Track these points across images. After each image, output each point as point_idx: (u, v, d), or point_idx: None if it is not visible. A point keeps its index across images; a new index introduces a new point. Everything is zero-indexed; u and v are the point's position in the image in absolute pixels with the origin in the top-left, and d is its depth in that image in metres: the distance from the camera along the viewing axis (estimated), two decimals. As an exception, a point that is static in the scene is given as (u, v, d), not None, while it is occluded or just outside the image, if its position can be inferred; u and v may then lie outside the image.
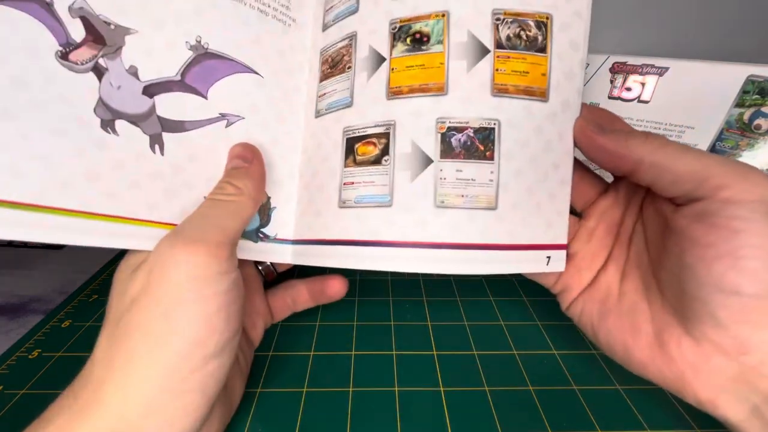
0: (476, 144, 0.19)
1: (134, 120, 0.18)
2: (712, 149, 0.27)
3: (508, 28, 0.19)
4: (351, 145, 0.21)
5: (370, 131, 0.20)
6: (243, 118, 0.21)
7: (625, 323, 0.19)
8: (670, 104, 0.28)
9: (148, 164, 0.19)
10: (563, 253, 0.21)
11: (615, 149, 0.18)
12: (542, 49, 0.19)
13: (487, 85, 0.19)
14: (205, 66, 0.20)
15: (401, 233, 0.19)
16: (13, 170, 0.15)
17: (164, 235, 0.17)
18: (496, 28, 0.19)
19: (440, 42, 0.19)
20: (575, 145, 0.20)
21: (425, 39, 0.20)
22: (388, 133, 0.20)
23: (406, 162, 0.19)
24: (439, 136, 0.19)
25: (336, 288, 0.26)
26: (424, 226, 0.19)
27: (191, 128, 0.20)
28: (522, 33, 0.19)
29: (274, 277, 0.27)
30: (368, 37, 0.21)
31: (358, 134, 0.21)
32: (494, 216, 0.19)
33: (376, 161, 0.20)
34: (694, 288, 0.16)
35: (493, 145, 0.19)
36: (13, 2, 0.15)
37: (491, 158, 0.19)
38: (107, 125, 0.18)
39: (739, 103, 0.26)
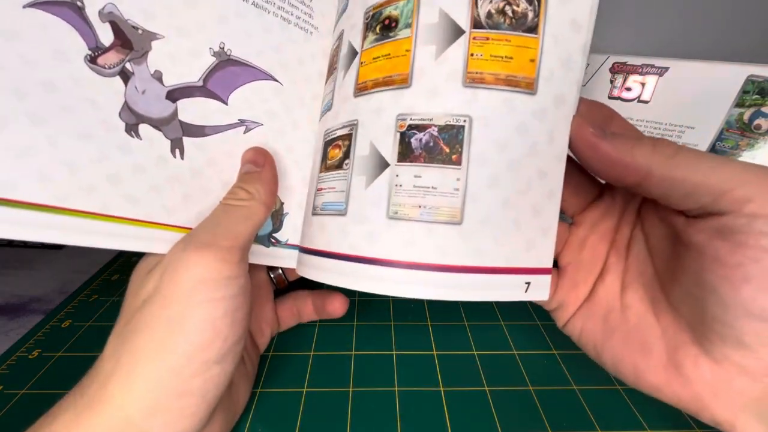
0: (440, 145, 0.16)
1: (157, 124, 0.19)
2: (712, 149, 0.27)
3: (490, 2, 0.16)
4: (326, 149, 0.20)
5: (338, 133, 0.19)
6: (261, 124, 0.22)
7: (632, 342, 0.17)
8: (670, 104, 0.28)
9: (169, 168, 0.19)
10: (547, 278, 0.17)
11: (619, 158, 0.15)
12: (532, 29, 0.16)
13: (458, 74, 0.16)
14: (227, 72, 0.20)
15: (351, 245, 0.17)
16: (41, 174, 0.16)
17: (178, 240, 0.18)
18: (475, 2, 0.16)
19: (408, 26, 0.16)
20: (570, 148, 0.17)
21: (393, 24, 0.17)
22: (351, 134, 0.18)
23: (363, 166, 0.17)
24: (398, 135, 0.16)
25: (335, 306, 0.25)
26: (374, 239, 0.17)
27: (211, 133, 0.20)
28: (507, 8, 0.16)
29: (285, 285, 0.27)
30: (350, 32, 0.20)
31: (330, 137, 0.20)
32: (457, 232, 0.16)
33: (339, 165, 0.18)
34: (718, 310, 0.14)
35: (462, 146, 0.16)
36: (45, 5, 0.16)
37: (458, 162, 0.16)
38: (131, 129, 0.18)
39: (739, 103, 0.25)
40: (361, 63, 0.18)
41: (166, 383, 0.15)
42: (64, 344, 0.27)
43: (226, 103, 0.20)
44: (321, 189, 0.20)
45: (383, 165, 0.17)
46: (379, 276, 0.16)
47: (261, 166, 0.21)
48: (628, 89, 0.29)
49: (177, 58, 0.19)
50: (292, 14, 0.22)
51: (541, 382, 0.25)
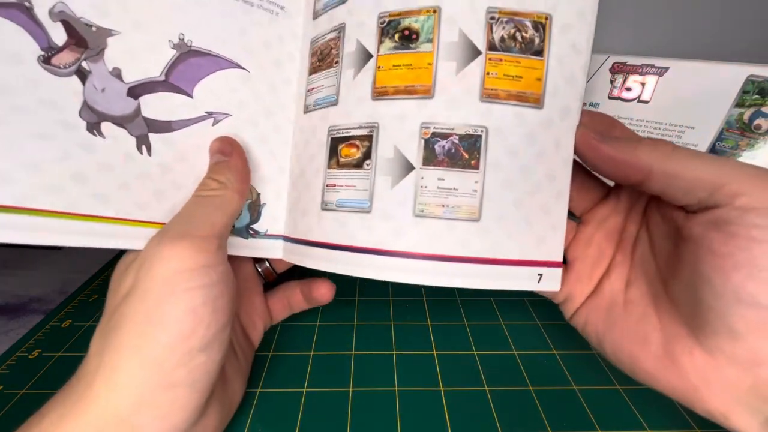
0: (461, 152, 0.18)
1: (120, 122, 0.18)
2: (712, 149, 0.27)
3: (503, 28, 0.18)
4: (335, 145, 0.20)
5: (353, 132, 0.20)
6: (230, 115, 0.21)
7: (632, 333, 0.18)
8: (670, 104, 0.28)
9: (136, 165, 0.19)
10: (558, 271, 0.19)
11: (623, 159, 0.17)
12: (539, 52, 0.18)
13: (476, 89, 0.18)
14: (189, 64, 0.20)
15: (378, 240, 0.19)
16: (2, 175, 0.16)
17: (153, 234, 0.18)
18: (490, 27, 0.18)
19: (430, 41, 0.18)
20: (576, 154, 0.19)
21: (414, 36, 0.19)
22: (371, 136, 0.19)
23: (388, 167, 0.19)
24: (423, 141, 0.18)
25: (321, 291, 0.26)
26: (401, 234, 0.18)
27: (178, 128, 0.20)
28: (517, 34, 0.18)
29: (274, 278, 0.27)
30: (356, 30, 0.20)
31: (342, 135, 0.20)
32: (476, 228, 0.18)
33: (358, 165, 0.20)
34: (711, 298, 0.15)
35: (479, 153, 0.18)
36: None
37: (476, 167, 0.18)
38: (93, 128, 0.18)
39: (739, 103, 0.26)
40: (379, 67, 0.19)
41: (150, 376, 0.15)
42: (64, 344, 0.27)
43: (191, 96, 0.20)
44: (334, 185, 0.20)
45: (409, 168, 0.19)
46: (406, 267, 0.18)
47: (229, 154, 0.20)
48: (628, 89, 0.29)
49: (135, 54, 0.18)
50: None
51: (541, 382, 0.25)
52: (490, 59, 0.18)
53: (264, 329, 0.26)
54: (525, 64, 0.18)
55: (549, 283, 0.19)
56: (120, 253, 0.19)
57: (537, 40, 0.18)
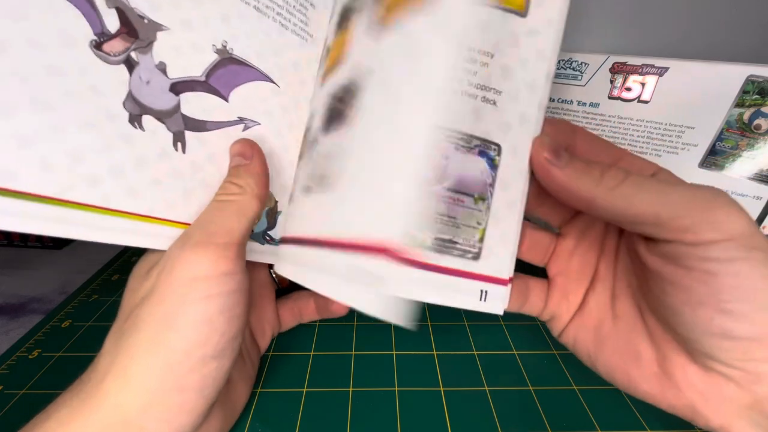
0: None
1: (160, 116, 0.19)
2: (712, 149, 0.27)
3: None
4: None
5: None
6: (259, 123, 0.22)
7: (624, 352, 0.17)
8: (670, 104, 0.28)
9: (170, 162, 0.19)
10: (505, 290, 0.18)
11: (566, 186, 0.16)
12: None
13: None
14: (228, 70, 0.20)
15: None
16: (44, 163, 0.15)
17: (177, 238, 0.18)
18: None
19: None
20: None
21: None
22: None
23: None
24: None
25: (339, 304, 0.25)
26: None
27: (212, 128, 0.20)
28: None
29: (287, 285, 0.27)
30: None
31: None
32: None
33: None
34: (685, 331, 0.15)
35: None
36: None
37: None
38: (134, 120, 0.18)
39: (739, 103, 0.26)
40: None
41: (162, 379, 0.15)
42: (64, 344, 0.27)
43: (227, 100, 0.21)
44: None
45: None
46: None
47: (249, 158, 0.20)
48: (628, 89, 0.29)
49: (181, 51, 0.19)
50: (289, 21, 0.22)
51: (541, 382, 0.25)
52: None
53: (272, 336, 0.26)
54: None
55: (494, 303, 0.17)
56: (119, 254, 0.19)
57: None
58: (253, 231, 0.22)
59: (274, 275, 0.26)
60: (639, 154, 0.29)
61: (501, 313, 0.18)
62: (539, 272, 0.21)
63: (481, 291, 0.17)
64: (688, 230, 0.14)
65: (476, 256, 0.18)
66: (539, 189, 0.18)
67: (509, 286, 0.18)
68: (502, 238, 0.18)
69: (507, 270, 0.18)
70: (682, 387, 0.16)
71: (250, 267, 0.20)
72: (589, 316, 0.19)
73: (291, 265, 0.19)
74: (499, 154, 0.17)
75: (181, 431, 0.16)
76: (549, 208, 0.20)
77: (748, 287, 0.13)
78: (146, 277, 0.17)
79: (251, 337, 0.24)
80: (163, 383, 0.15)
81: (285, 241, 0.22)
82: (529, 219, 0.19)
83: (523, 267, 0.20)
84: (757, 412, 0.14)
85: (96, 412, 0.15)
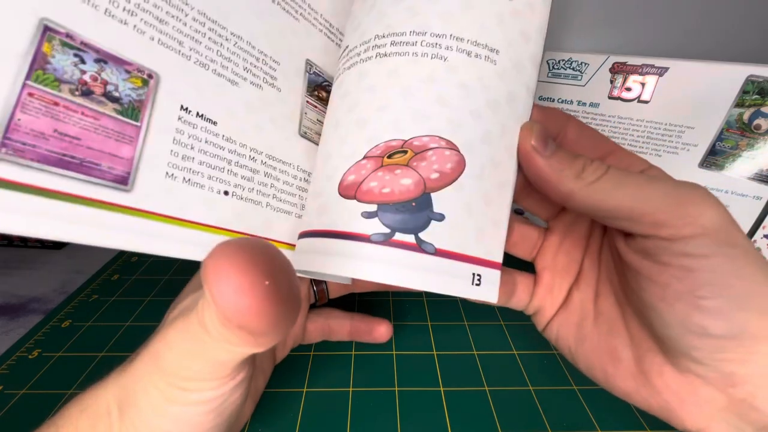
0: None
1: None
2: (712, 149, 0.27)
3: None
4: None
5: None
6: None
7: (602, 349, 0.17)
8: (670, 104, 0.28)
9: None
10: (497, 274, 0.17)
11: (547, 177, 0.16)
12: None
13: None
14: None
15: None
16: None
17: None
18: None
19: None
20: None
21: None
22: None
23: None
24: None
25: (381, 331, 0.25)
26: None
27: None
28: None
29: (326, 302, 0.27)
30: None
31: None
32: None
33: None
34: (662, 328, 0.15)
35: None
36: None
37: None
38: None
39: (739, 103, 0.26)
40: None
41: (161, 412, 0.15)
42: (64, 344, 0.27)
43: None
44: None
45: None
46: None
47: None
48: (628, 89, 0.29)
49: None
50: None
51: (541, 382, 0.25)
52: None
53: (292, 347, 0.25)
54: None
55: (487, 288, 0.16)
56: (119, 254, 0.19)
57: None
58: None
59: (315, 289, 0.26)
60: (639, 154, 0.29)
61: (495, 301, 0.17)
62: (523, 268, 0.21)
63: (473, 274, 0.16)
64: (663, 225, 0.14)
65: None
66: (526, 180, 0.18)
67: (500, 271, 0.17)
68: (493, 220, 0.17)
69: (498, 253, 0.17)
70: (657, 387, 0.15)
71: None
72: (572, 313, 0.19)
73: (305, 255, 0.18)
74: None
75: None
76: (536, 201, 0.20)
77: (723, 284, 0.13)
78: (186, 294, 0.17)
79: (270, 351, 0.24)
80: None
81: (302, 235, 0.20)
82: (518, 212, 0.19)
83: (509, 263, 0.19)
84: (733, 415, 0.14)
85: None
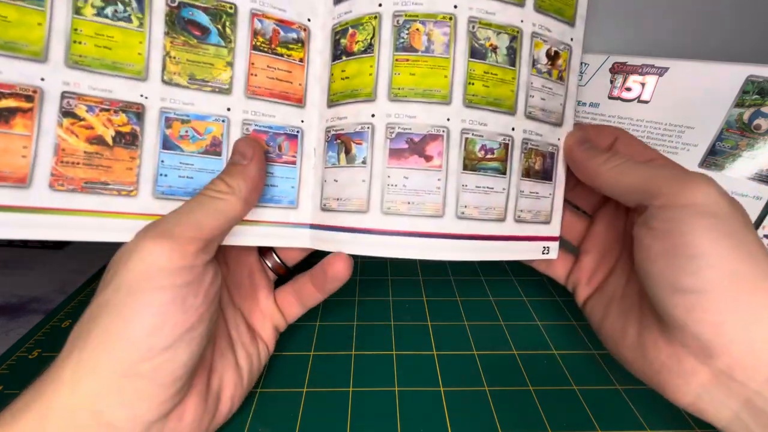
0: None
1: None
2: (712, 149, 0.27)
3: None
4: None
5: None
6: None
7: (617, 324, 0.20)
8: (670, 104, 0.28)
9: None
10: (557, 244, 0.24)
11: (581, 160, 0.21)
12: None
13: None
14: None
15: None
16: None
17: (142, 227, 0.17)
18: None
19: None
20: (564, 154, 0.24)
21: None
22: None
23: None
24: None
25: (337, 266, 0.22)
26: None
27: None
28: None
29: (285, 272, 0.26)
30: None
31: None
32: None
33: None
34: (649, 288, 0.17)
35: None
36: None
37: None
38: None
39: (739, 103, 0.25)
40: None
41: (113, 366, 0.15)
42: (63, 344, 0.26)
43: None
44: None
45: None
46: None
47: (249, 159, 0.20)
48: (628, 89, 0.29)
49: None
50: None
51: (541, 382, 0.25)
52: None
53: (276, 330, 0.25)
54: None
55: (552, 254, 0.24)
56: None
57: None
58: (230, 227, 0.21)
59: (269, 263, 0.25)
60: (639, 154, 0.29)
61: (555, 257, 0.24)
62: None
63: (544, 247, 0.24)
64: (659, 196, 0.17)
65: (547, 221, 0.24)
66: (571, 177, 0.23)
67: (558, 241, 0.24)
68: (557, 205, 0.24)
69: (559, 229, 0.24)
70: (650, 358, 0.18)
71: (237, 254, 0.19)
72: (604, 295, 0.22)
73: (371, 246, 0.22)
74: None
75: (140, 417, 0.16)
76: (580, 193, 0.25)
77: (696, 245, 0.15)
78: (112, 266, 0.17)
79: (248, 331, 0.23)
80: (114, 371, 0.15)
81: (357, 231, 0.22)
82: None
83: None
84: (717, 389, 0.16)
85: (54, 399, 0.15)
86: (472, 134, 0.21)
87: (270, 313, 0.25)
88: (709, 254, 0.15)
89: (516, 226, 0.22)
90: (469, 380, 0.25)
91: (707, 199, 0.16)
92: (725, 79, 0.26)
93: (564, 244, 0.25)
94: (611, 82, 0.30)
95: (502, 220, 0.22)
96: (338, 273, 0.22)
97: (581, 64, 0.30)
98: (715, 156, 0.27)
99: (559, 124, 0.23)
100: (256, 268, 0.25)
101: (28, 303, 0.31)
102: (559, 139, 0.24)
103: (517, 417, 0.22)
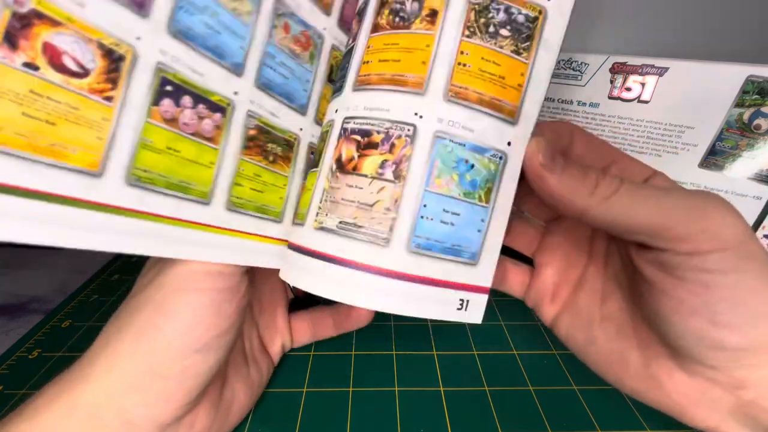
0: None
1: None
2: (712, 149, 0.27)
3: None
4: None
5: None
6: None
7: (611, 352, 0.17)
8: (670, 104, 0.28)
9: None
10: (484, 299, 0.17)
11: (560, 194, 0.15)
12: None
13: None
14: None
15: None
16: None
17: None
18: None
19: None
20: (523, 171, 0.16)
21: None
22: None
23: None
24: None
25: (360, 312, 0.24)
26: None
27: None
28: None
29: (303, 295, 0.27)
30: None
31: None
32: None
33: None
34: (675, 339, 0.15)
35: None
36: None
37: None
38: None
39: (739, 103, 0.25)
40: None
41: (145, 364, 0.16)
42: (64, 344, 0.27)
43: None
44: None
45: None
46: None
47: None
48: (628, 89, 0.29)
49: None
50: None
51: (541, 382, 0.25)
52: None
53: (282, 348, 0.25)
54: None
55: (473, 311, 0.16)
56: (119, 254, 0.19)
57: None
58: None
59: (290, 285, 0.26)
60: (639, 154, 0.29)
61: (479, 321, 0.17)
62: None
63: (461, 300, 0.16)
64: (683, 240, 0.13)
65: (474, 263, 0.16)
66: (527, 187, 0.17)
67: (487, 295, 0.17)
68: (492, 243, 0.17)
69: (488, 279, 0.17)
70: (667, 389, 0.16)
71: (262, 271, 0.19)
72: (578, 315, 0.19)
73: (296, 271, 0.18)
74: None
75: (159, 417, 0.16)
76: (534, 205, 0.20)
77: (740, 299, 0.13)
78: (152, 267, 0.18)
79: (260, 343, 0.24)
80: (145, 368, 0.16)
81: (294, 248, 0.19)
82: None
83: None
84: (742, 415, 0.14)
85: (81, 391, 0.15)
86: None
87: (281, 330, 0.25)
88: (755, 311, 0.13)
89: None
90: (469, 380, 0.25)
91: (737, 236, 0.13)
92: (725, 79, 0.26)
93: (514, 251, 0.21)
94: (611, 82, 0.30)
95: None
96: (360, 319, 0.24)
97: (576, 62, 0.30)
98: (715, 156, 0.27)
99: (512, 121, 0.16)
100: (279, 286, 0.25)
101: (28, 303, 0.31)
102: (509, 144, 0.16)
103: (517, 417, 0.22)
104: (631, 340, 0.17)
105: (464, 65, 0.16)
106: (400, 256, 0.16)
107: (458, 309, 0.16)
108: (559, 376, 0.25)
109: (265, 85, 0.18)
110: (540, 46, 0.16)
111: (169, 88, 0.15)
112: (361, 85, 0.17)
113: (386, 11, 0.17)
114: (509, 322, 0.30)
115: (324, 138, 0.19)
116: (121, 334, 0.16)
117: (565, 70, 0.30)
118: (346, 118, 0.17)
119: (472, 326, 0.29)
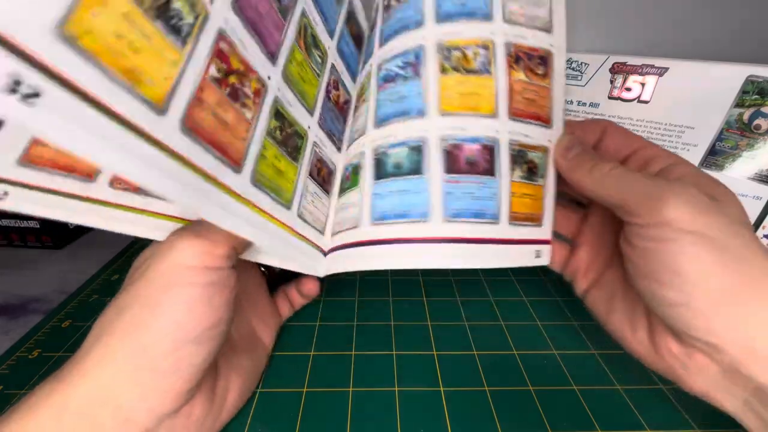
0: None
1: None
2: (712, 149, 0.27)
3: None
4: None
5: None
6: None
7: (625, 321, 0.20)
8: (670, 104, 0.28)
9: None
10: (550, 248, 0.23)
11: (566, 173, 0.21)
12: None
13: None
14: None
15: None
16: None
17: (177, 228, 0.18)
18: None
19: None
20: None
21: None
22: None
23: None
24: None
25: (308, 287, 0.27)
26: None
27: None
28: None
29: (276, 274, 0.28)
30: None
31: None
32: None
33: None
34: (645, 301, 0.18)
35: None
36: None
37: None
38: None
39: (739, 103, 0.26)
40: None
41: (138, 358, 0.16)
42: (64, 344, 0.27)
43: None
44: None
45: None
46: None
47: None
48: (628, 89, 0.29)
49: None
50: None
51: (541, 382, 0.25)
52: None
53: (276, 328, 0.26)
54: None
55: (545, 258, 0.23)
56: (119, 254, 0.19)
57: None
58: None
59: (262, 268, 0.27)
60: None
61: (548, 263, 0.23)
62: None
63: (536, 251, 0.22)
64: (635, 214, 0.17)
65: (540, 224, 0.23)
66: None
67: (551, 245, 0.23)
68: (549, 211, 0.23)
69: (551, 233, 0.23)
70: (663, 354, 0.18)
71: (244, 265, 0.20)
72: (603, 289, 0.22)
73: (359, 259, 0.22)
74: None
75: (158, 410, 0.16)
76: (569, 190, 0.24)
77: (673, 262, 0.16)
78: (141, 261, 0.18)
79: (251, 331, 0.24)
80: (138, 362, 0.16)
81: (348, 246, 0.23)
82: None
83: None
84: (727, 380, 0.16)
85: (75, 386, 0.15)
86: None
87: (271, 312, 0.26)
88: (688, 273, 0.16)
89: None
90: (469, 380, 0.25)
91: (681, 215, 0.16)
92: (725, 79, 0.26)
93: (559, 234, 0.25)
94: (611, 82, 0.30)
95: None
96: (311, 291, 0.27)
97: (576, 62, 0.30)
98: (715, 156, 0.27)
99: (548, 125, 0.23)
100: (257, 273, 0.26)
101: (28, 303, 0.31)
102: (549, 141, 0.23)
103: (517, 417, 0.22)
104: (641, 312, 0.20)
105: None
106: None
107: (536, 258, 0.23)
108: (559, 376, 0.25)
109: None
110: (554, 74, 0.23)
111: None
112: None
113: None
114: (509, 322, 0.30)
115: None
116: (114, 328, 0.16)
117: (565, 70, 0.30)
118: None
119: (472, 326, 0.29)
